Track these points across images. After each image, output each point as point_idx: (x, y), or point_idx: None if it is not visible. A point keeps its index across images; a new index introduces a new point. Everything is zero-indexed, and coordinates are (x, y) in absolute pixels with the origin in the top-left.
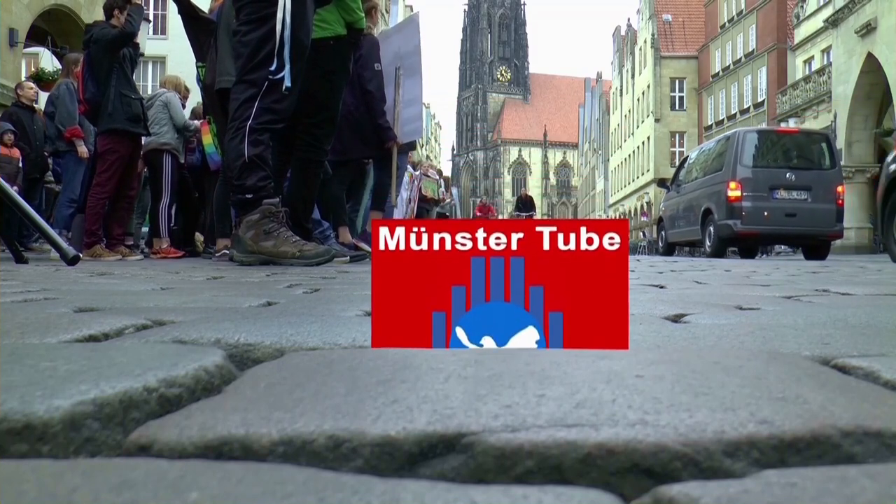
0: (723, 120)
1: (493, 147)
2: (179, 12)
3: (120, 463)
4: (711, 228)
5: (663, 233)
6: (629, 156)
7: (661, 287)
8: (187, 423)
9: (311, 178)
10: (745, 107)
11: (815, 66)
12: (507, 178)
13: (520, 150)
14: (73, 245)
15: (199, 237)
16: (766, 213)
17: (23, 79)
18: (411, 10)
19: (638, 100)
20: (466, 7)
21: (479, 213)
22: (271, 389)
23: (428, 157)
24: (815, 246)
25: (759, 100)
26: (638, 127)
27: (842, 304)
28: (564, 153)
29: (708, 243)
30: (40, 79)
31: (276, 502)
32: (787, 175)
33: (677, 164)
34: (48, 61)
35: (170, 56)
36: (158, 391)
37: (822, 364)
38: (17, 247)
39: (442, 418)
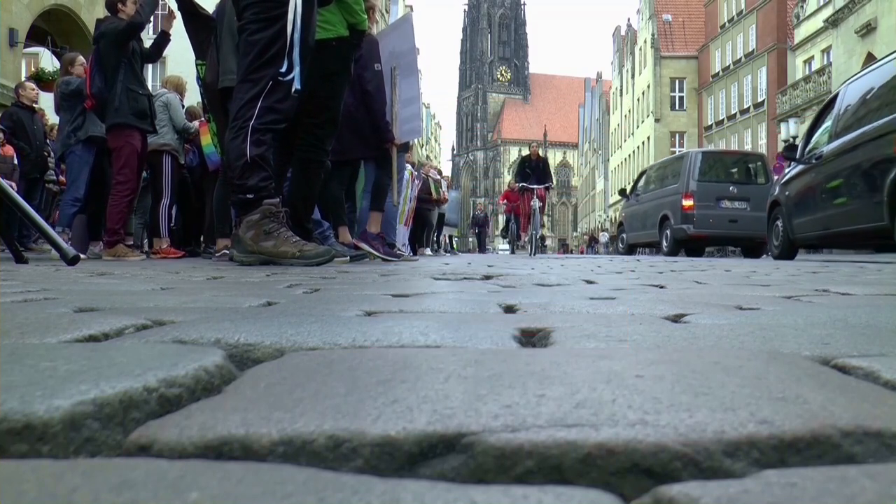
0: (723, 120)
1: (493, 147)
2: (179, 9)
3: (120, 463)
4: (668, 232)
5: (624, 235)
6: (629, 156)
7: (661, 287)
8: (187, 423)
9: (313, 179)
10: (745, 107)
11: (815, 66)
12: (507, 178)
13: (520, 150)
14: (73, 245)
15: None
16: (712, 220)
17: (23, 79)
18: (411, 9)
19: (638, 100)
20: (466, 7)
21: (503, 202)
22: (271, 389)
23: (428, 156)
24: (753, 247)
25: (759, 100)
26: (638, 127)
27: (842, 304)
28: (564, 153)
29: (665, 244)
30: (40, 79)
31: (276, 502)
32: (730, 188)
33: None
34: (48, 61)
35: (170, 56)
36: (158, 391)
37: (822, 364)
38: (17, 247)
39: (442, 418)
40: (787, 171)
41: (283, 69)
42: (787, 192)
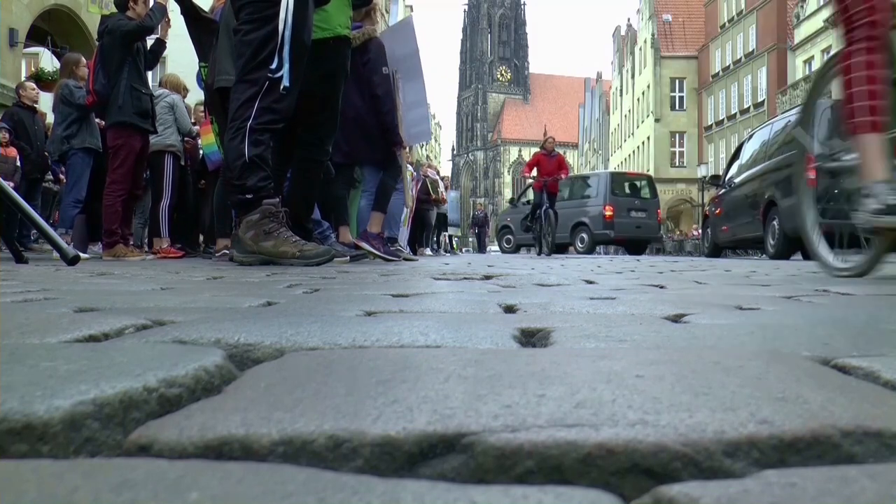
0: (723, 120)
1: (493, 147)
2: (182, 13)
3: (120, 463)
4: (586, 235)
5: (509, 237)
6: (629, 156)
7: (661, 287)
8: (187, 423)
9: (313, 178)
10: (745, 107)
11: (815, 66)
12: (507, 178)
13: (520, 150)
14: (73, 245)
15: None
16: (626, 226)
17: (23, 79)
18: (411, 10)
19: (638, 100)
20: (466, 7)
21: (528, 174)
22: (271, 389)
23: (428, 157)
24: (639, 246)
25: (760, 100)
26: (638, 127)
27: (842, 304)
28: (564, 153)
29: (580, 245)
30: (40, 79)
31: (276, 502)
32: (635, 202)
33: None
34: (48, 61)
35: (170, 56)
36: (158, 391)
37: (822, 364)
38: (17, 247)
39: (442, 418)
40: (715, 194)
41: (273, 66)
42: (713, 209)
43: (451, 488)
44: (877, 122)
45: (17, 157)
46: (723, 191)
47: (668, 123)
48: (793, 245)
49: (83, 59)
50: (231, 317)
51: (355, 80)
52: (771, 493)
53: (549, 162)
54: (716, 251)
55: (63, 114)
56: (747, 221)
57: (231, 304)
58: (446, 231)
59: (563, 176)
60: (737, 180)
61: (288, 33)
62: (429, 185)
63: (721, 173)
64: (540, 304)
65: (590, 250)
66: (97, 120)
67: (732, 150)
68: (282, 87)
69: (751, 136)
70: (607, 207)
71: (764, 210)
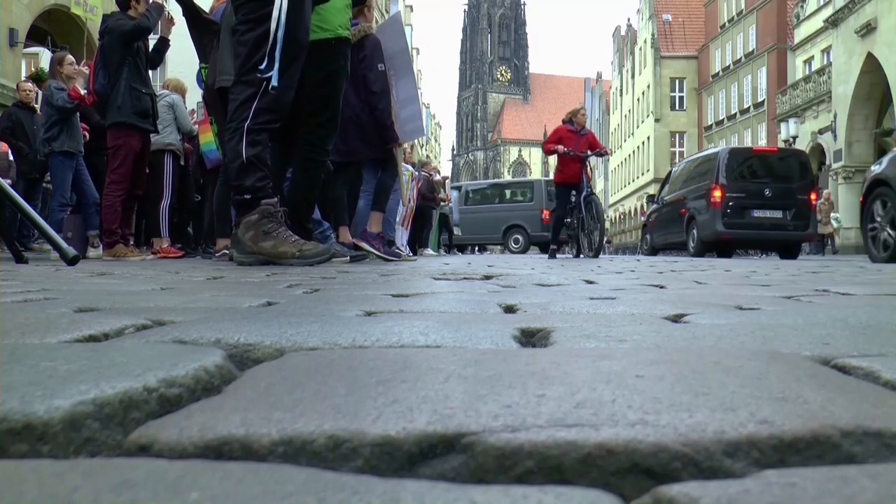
0: (723, 120)
1: (493, 147)
2: (183, 13)
3: (120, 463)
4: (520, 236)
5: (446, 236)
6: (629, 156)
7: (661, 287)
8: (187, 423)
9: (314, 178)
10: (745, 107)
11: (815, 66)
12: (508, 178)
13: (520, 150)
14: (72, 245)
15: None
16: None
17: (22, 79)
18: (411, 10)
19: (638, 100)
20: (466, 7)
21: (551, 150)
22: (271, 389)
23: (428, 156)
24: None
25: (760, 100)
26: (638, 127)
27: (842, 304)
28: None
29: (514, 246)
30: (40, 79)
31: (276, 502)
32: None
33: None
34: (48, 61)
35: (170, 57)
36: (158, 391)
37: (822, 364)
38: (17, 247)
39: (442, 418)
40: (651, 207)
41: (263, 66)
42: (650, 219)
43: (451, 488)
44: None
45: (9, 153)
46: (655, 206)
47: (668, 123)
48: (705, 247)
49: (69, 56)
50: (231, 317)
51: (351, 77)
52: (771, 493)
53: (576, 140)
54: (653, 251)
55: (46, 115)
56: (676, 230)
57: (231, 304)
58: (449, 231)
59: (606, 152)
60: (667, 199)
61: (281, 33)
62: (433, 184)
63: (656, 193)
64: (540, 304)
65: (524, 250)
66: (84, 125)
67: None
68: (270, 87)
69: (679, 165)
70: (545, 211)
71: (686, 222)
